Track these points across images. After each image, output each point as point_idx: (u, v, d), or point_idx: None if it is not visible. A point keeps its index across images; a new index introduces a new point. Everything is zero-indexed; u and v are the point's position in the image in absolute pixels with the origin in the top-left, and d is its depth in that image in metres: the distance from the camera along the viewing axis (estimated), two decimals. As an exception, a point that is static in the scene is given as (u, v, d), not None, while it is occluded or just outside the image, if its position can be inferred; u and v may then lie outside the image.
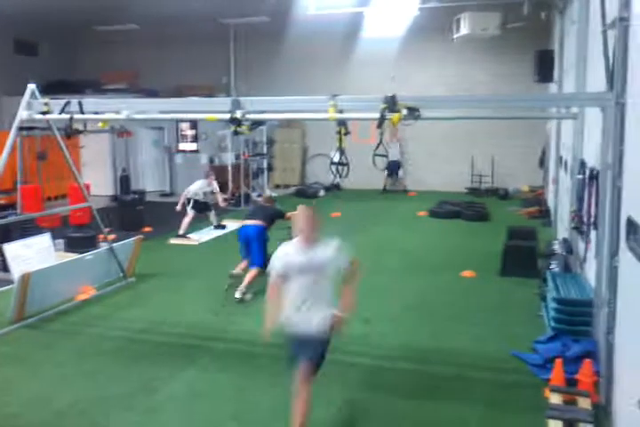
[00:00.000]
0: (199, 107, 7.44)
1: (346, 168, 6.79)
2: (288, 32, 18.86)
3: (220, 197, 12.86)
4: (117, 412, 5.15)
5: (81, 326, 7.26)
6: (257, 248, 8.42)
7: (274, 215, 8.82)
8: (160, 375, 5.83)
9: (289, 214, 8.64)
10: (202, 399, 5.39)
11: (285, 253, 4.81)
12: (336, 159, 6.83)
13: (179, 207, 12.27)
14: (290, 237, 6.38)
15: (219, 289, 8.71)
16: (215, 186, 12.77)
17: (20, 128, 7.68)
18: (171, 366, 6.06)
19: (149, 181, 19.13)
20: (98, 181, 16.44)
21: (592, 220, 6.46)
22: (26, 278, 7.09)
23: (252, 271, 8.32)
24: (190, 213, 12.26)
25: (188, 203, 12.27)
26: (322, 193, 18.59)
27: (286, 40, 19.27)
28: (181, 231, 12.15)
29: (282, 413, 5.15)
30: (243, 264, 8.63)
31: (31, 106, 7.35)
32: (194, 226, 13.04)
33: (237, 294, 8.17)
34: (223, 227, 13.10)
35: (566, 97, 7.76)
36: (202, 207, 12.53)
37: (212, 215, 12.97)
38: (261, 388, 5.62)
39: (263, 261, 7.93)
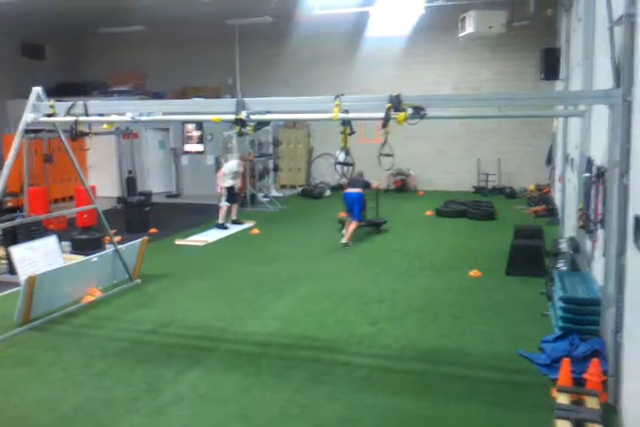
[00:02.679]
0: (204, 108, 7.43)
1: (351, 168, 6.76)
2: (293, 32, 18.87)
3: (239, 181, 13.70)
4: (123, 414, 5.14)
5: (87, 328, 7.27)
6: (357, 208, 11.52)
7: (365, 185, 11.86)
8: (165, 377, 5.83)
9: (374, 184, 12.44)
10: (207, 400, 5.38)
11: None
12: (341, 159, 6.80)
13: (220, 190, 13.39)
14: None
15: (224, 289, 8.74)
16: (241, 168, 13.76)
17: (27, 131, 7.69)
18: (176, 367, 6.05)
19: (155, 183, 19.17)
20: (104, 183, 16.52)
21: (599, 218, 6.41)
22: (32, 281, 7.10)
23: (353, 224, 11.48)
24: (224, 204, 13.19)
25: (223, 193, 13.25)
26: (328, 193, 18.58)
27: (291, 40, 19.28)
28: (221, 221, 13.13)
29: (289, 412, 5.15)
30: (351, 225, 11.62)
31: (37, 108, 7.37)
32: (201, 227, 13.10)
33: (343, 240, 11.34)
34: (226, 227, 13.30)
35: (573, 95, 7.69)
36: (233, 196, 13.44)
37: (236, 207, 13.66)
38: (267, 388, 5.60)
39: (361, 217, 11.69)
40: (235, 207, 13.68)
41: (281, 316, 7.61)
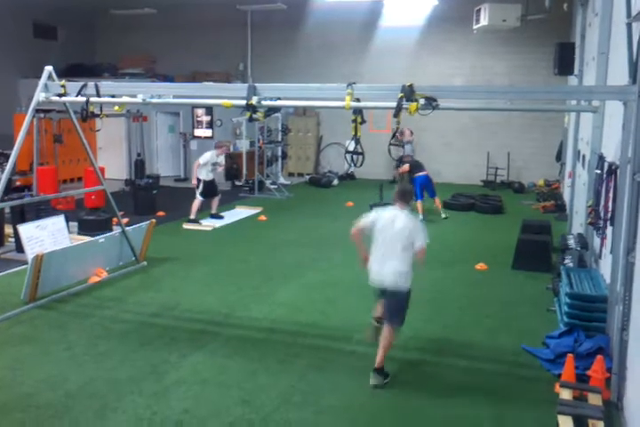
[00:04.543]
0: (215, 92, 7.39)
1: (361, 157, 6.73)
2: (305, 20, 18.74)
3: (220, 169, 12.79)
4: (126, 395, 5.18)
5: (92, 309, 7.30)
6: (431, 188, 13.27)
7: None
8: (169, 359, 5.86)
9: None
10: (210, 384, 5.41)
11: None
12: (351, 148, 6.77)
13: (194, 181, 12.20)
14: None
15: (230, 275, 8.75)
16: (222, 159, 12.60)
17: (37, 110, 7.69)
18: (180, 350, 6.09)
19: (164, 166, 19.16)
20: (113, 165, 16.53)
21: (609, 215, 6.38)
22: (39, 259, 7.13)
23: (437, 200, 13.43)
24: (199, 197, 12.16)
25: (198, 186, 12.14)
26: (335, 182, 18.55)
27: (303, 28, 19.16)
28: (192, 216, 12.15)
29: (291, 399, 5.17)
30: (419, 204, 12.94)
31: (48, 88, 7.35)
32: (208, 212, 13.07)
33: (420, 217, 12.31)
34: (221, 217, 12.73)
35: (588, 90, 7.63)
36: (210, 191, 12.33)
37: (216, 201, 12.61)
38: (270, 373, 5.63)
39: (435, 194, 13.34)
40: (215, 201, 12.63)
41: (286, 303, 7.63)
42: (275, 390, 5.32)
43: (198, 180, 12.12)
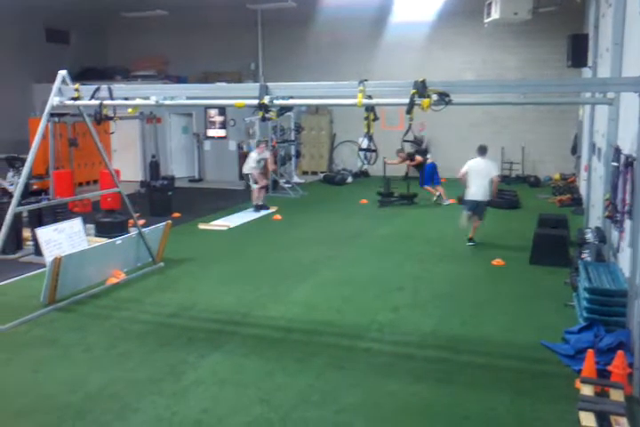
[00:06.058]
0: (227, 92, 7.41)
1: (374, 154, 6.72)
2: (315, 17, 18.71)
3: (270, 162, 14.19)
4: (146, 395, 5.20)
5: (111, 310, 7.35)
6: (437, 175, 14.95)
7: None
8: (187, 359, 5.89)
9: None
10: (229, 384, 5.42)
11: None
12: (364, 145, 6.76)
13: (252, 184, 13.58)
14: None
15: (246, 274, 8.77)
16: (267, 153, 14.01)
17: (52, 114, 7.74)
18: (198, 350, 6.11)
19: (178, 167, 19.25)
20: (128, 167, 16.59)
21: (627, 208, 6.31)
22: (57, 262, 7.19)
23: (437, 188, 14.86)
24: (255, 187, 13.48)
25: (248, 179, 13.57)
26: (349, 180, 18.53)
27: (313, 25, 19.14)
28: (260, 202, 13.60)
29: (309, 398, 5.17)
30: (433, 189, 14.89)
31: (62, 92, 7.41)
32: (223, 212, 13.14)
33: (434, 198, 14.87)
34: (267, 208, 13.74)
35: (602, 82, 7.53)
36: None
37: (263, 192, 13.88)
38: (288, 373, 5.63)
39: (439, 182, 14.95)
40: (262, 192, 13.93)
41: (302, 301, 7.63)
42: (293, 389, 5.32)
43: (247, 175, 13.57)
